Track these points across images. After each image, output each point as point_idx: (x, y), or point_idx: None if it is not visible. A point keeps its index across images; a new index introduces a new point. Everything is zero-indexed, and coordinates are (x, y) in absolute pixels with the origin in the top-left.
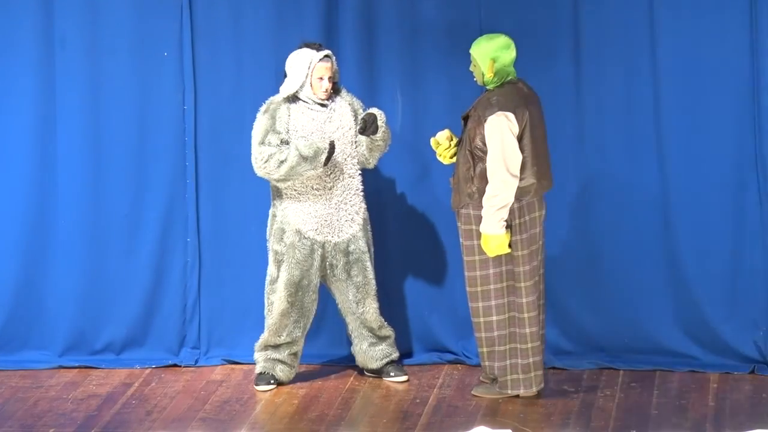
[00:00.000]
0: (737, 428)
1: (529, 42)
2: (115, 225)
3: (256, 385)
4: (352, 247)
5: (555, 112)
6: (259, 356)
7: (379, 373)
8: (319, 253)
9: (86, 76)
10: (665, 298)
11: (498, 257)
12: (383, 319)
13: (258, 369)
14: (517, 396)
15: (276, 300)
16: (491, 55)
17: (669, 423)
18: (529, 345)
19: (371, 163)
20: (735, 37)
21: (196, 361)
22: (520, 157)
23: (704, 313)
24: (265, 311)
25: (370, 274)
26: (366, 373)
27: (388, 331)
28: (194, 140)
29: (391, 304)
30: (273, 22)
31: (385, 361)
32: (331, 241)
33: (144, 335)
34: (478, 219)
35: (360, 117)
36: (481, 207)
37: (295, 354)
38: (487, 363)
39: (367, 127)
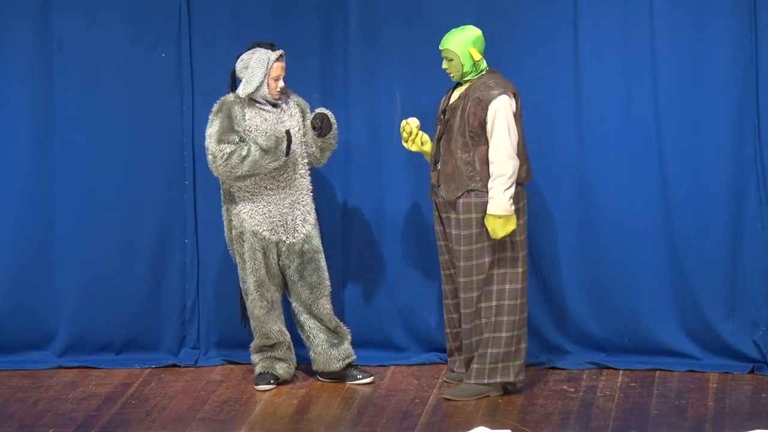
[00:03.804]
0: (737, 428)
1: (529, 42)
2: (115, 225)
3: (256, 385)
4: (306, 247)
5: (555, 112)
6: (256, 357)
7: (340, 376)
8: (274, 252)
9: (84, 78)
10: (665, 298)
11: (493, 245)
12: (338, 320)
13: (258, 370)
14: (502, 395)
15: (251, 303)
16: (470, 43)
17: (669, 423)
18: (514, 333)
19: (322, 162)
20: (735, 37)
21: (196, 361)
22: (517, 137)
23: (704, 313)
24: (249, 314)
25: (325, 273)
26: (321, 378)
27: (344, 330)
28: (192, 141)
29: (390, 305)
30: (271, 23)
31: (347, 361)
32: (285, 242)
33: (143, 335)
34: (480, 206)
35: (310, 119)
36: (484, 193)
37: (288, 347)
38: (465, 355)
39: (323, 127)
